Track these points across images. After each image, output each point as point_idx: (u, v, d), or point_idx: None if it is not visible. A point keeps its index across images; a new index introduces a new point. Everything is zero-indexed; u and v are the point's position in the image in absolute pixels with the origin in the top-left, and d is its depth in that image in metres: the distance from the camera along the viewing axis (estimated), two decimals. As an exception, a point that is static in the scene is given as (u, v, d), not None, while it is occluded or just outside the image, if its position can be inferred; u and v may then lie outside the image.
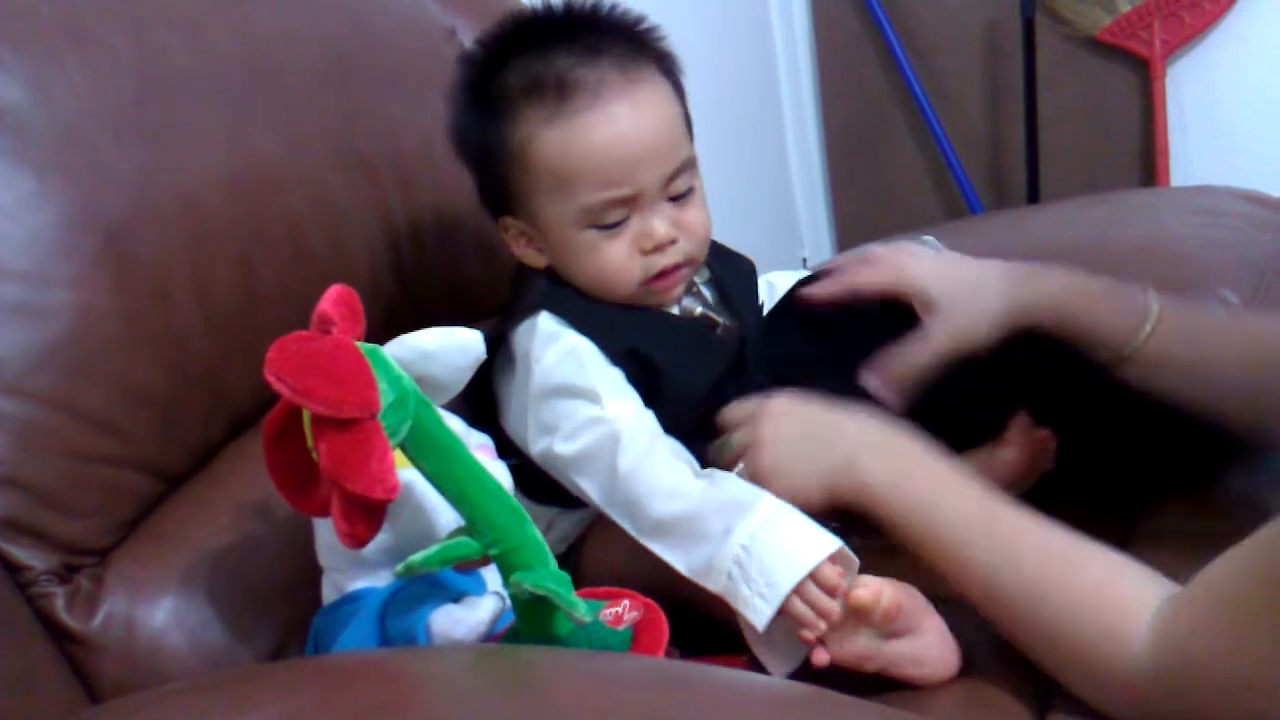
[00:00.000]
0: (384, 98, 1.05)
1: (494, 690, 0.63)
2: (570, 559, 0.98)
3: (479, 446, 0.84)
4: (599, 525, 0.96)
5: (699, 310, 0.98)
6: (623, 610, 0.78)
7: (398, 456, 0.72)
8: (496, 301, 1.16)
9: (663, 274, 0.93)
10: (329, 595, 0.84)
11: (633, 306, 0.94)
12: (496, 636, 0.78)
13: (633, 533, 0.86)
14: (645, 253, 0.92)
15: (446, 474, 0.74)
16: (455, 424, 0.78)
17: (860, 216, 2.32)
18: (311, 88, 1.01)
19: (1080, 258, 1.14)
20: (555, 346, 0.91)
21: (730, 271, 1.01)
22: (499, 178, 0.94)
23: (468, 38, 1.20)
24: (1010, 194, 2.21)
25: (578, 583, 0.76)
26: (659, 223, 0.91)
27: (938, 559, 0.79)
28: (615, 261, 0.92)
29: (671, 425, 0.91)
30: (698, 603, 0.84)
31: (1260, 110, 2.06)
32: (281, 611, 0.87)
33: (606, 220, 0.91)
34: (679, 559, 0.83)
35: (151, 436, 0.87)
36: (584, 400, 0.89)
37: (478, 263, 1.13)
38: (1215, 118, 2.09)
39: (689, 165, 0.94)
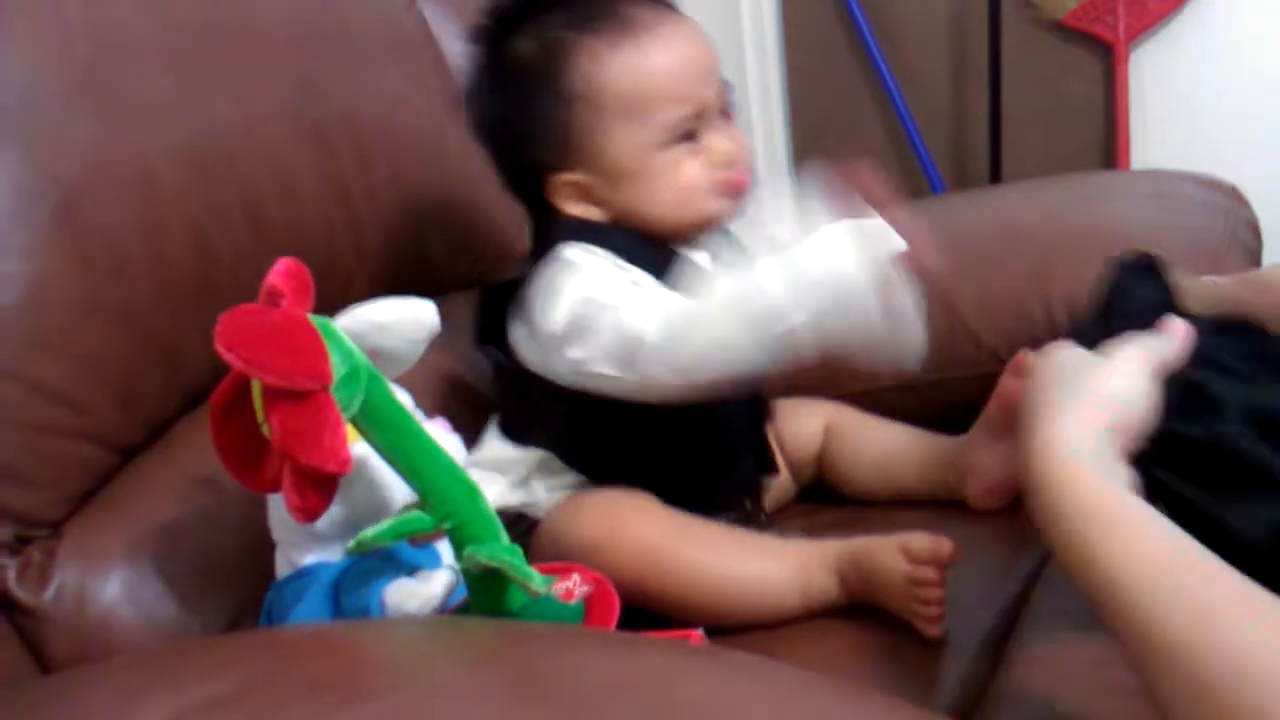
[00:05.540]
0: (343, 67, 1.04)
1: (447, 661, 0.63)
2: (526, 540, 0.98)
3: (432, 420, 0.84)
4: (559, 508, 0.95)
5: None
6: (573, 585, 0.78)
7: (349, 431, 0.72)
8: (456, 274, 1.16)
9: (734, 187, 0.96)
10: (282, 569, 0.84)
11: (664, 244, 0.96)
12: (450, 612, 0.78)
13: (683, 381, 0.84)
14: (717, 168, 0.95)
15: (398, 448, 0.74)
16: (404, 399, 0.78)
17: (824, 196, 2.32)
18: (269, 56, 1.00)
19: (1034, 239, 1.16)
20: (579, 270, 0.91)
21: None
22: (557, 130, 0.94)
23: (427, 8, 1.20)
24: (973, 176, 2.22)
25: (530, 559, 0.76)
26: (723, 139, 0.95)
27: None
28: (695, 178, 0.94)
29: None
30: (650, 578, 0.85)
31: (1222, 96, 2.07)
32: (235, 585, 0.87)
33: (686, 130, 0.94)
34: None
35: (106, 409, 0.86)
36: (608, 310, 0.87)
37: (437, 235, 1.13)
38: (1177, 103, 2.10)
39: (729, 87, 0.98)
